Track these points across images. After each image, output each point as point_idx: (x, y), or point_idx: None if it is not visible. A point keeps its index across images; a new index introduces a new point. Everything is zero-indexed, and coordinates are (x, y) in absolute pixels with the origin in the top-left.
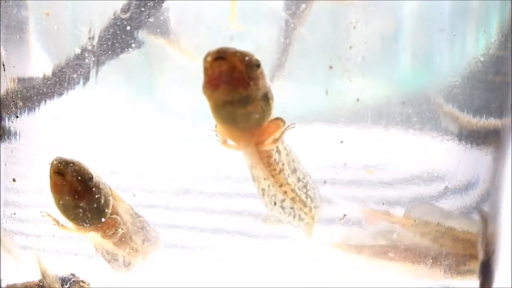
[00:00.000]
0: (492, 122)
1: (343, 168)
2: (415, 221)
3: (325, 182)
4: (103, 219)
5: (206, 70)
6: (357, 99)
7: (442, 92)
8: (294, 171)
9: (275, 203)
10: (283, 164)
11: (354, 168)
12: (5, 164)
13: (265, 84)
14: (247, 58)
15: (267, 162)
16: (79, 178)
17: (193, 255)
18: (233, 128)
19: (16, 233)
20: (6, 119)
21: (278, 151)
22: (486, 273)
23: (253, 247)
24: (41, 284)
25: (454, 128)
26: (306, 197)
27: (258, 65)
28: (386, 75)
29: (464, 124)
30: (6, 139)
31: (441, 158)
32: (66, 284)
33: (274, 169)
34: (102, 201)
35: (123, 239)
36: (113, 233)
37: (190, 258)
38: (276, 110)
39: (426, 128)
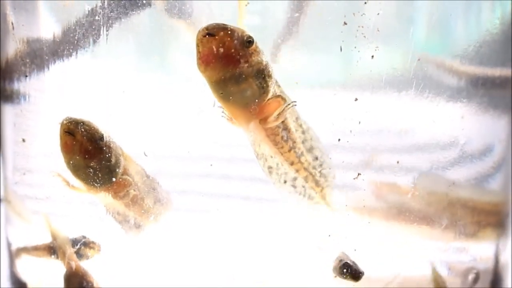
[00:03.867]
0: (508, 86)
1: (357, 131)
2: (423, 191)
3: (339, 140)
4: (114, 179)
5: (197, 46)
6: (372, 56)
7: (458, 54)
8: (311, 149)
9: (285, 181)
10: (294, 142)
11: (368, 131)
12: (14, 125)
13: (259, 61)
14: (237, 35)
15: (274, 140)
16: (90, 137)
17: (202, 218)
18: (230, 105)
19: (26, 196)
20: (16, 79)
21: (286, 128)
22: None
23: (261, 211)
24: (52, 245)
25: (470, 92)
26: (320, 176)
27: (249, 42)
28: (401, 33)
29: (480, 88)
30: (16, 99)
31: (457, 123)
32: (76, 246)
33: (282, 147)
34: (113, 161)
35: (134, 200)
36: (124, 194)
37: (199, 221)
38: (292, 68)
39: (442, 91)
